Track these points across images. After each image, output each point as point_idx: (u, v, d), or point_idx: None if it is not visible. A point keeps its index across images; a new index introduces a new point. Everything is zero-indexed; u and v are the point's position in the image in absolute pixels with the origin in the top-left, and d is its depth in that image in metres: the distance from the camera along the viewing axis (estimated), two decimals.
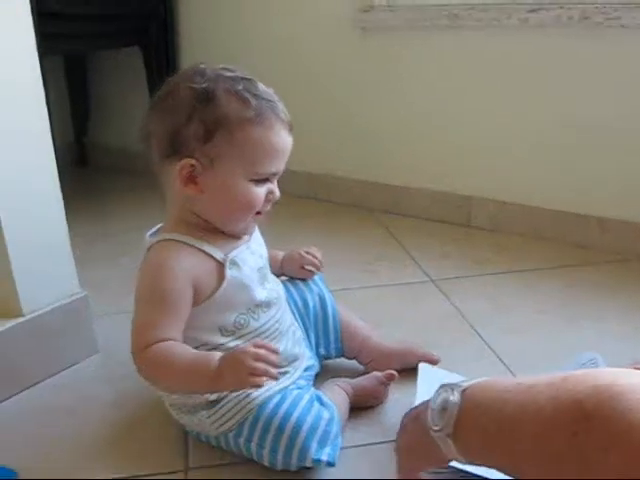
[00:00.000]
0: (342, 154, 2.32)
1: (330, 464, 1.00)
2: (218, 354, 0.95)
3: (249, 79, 1.03)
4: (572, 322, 1.48)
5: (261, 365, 0.90)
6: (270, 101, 1.02)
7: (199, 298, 1.03)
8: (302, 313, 1.26)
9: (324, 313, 1.29)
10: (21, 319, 1.25)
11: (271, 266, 1.19)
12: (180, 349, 0.98)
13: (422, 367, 1.21)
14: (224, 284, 1.03)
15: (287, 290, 1.27)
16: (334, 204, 2.31)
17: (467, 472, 0.95)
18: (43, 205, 1.27)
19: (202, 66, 1.03)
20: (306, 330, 1.26)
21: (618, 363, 0.67)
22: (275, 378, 0.93)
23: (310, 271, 1.28)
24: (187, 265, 1.01)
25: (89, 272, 1.45)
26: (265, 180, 1.03)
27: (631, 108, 1.76)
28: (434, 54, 2.04)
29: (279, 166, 1.04)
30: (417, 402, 0.98)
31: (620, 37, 1.72)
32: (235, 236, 1.08)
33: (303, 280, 1.30)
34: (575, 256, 1.83)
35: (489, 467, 0.76)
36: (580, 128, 1.85)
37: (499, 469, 0.74)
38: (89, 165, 2.93)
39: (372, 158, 2.25)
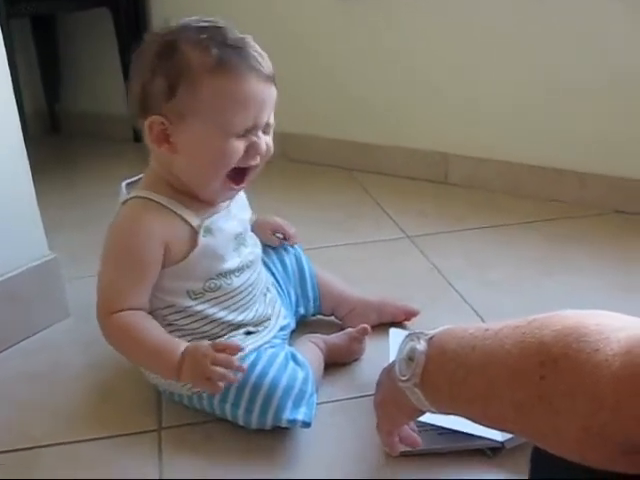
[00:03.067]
0: (317, 113, 2.29)
1: (306, 424, 0.99)
2: (184, 345, 0.96)
3: (219, 27, 0.97)
4: (549, 276, 1.48)
5: (219, 370, 0.91)
6: (238, 48, 0.96)
7: (168, 261, 1.01)
8: (281, 273, 1.26)
9: (301, 272, 1.28)
10: None
11: None
12: (149, 325, 0.98)
13: (393, 332, 1.20)
14: (195, 251, 1.01)
15: (265, 252, 1.25)
16: (309, 164, 2.28)
17: (438, 426, 0.96)
18: (8, 168, 1.24)
19: (181, 20, 0.99)
20: (286, 288, 1.25)
21: None
22: (234, 381, 0.95)
23: (280, 239, 1.27)
24: (159, 227, 0.99)
25: (61, 237, 1.43)
26: (246, 134, 0.97)
27: (609, 67, 1.75)
28: (412, 13, 2.01)
29: (258, 118, 0.97)
30: None
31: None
32: (211, 203, 1.05)
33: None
34: (553, 211, 1.83)
35: (459, 415, 0.75)
36: (558, 85, 1.84)
37: (468, 417, 0.73)
38: (62, 132, 2.88)
39: (348, 117, 2.23)
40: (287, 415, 0.98)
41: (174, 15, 2.42)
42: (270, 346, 1.09)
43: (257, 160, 1.00)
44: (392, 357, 1.08)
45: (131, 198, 1.02)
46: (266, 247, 1.26)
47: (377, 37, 2.09)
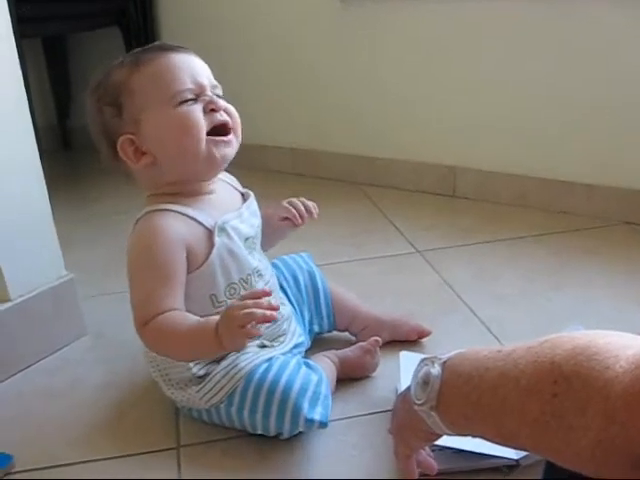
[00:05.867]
0: (325, 128, 2.31)
1: (323, 424, 1.01)
2: (216, 318, 0.94)
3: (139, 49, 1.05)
4: (558, 289, 1.49)
5: (249, 312, 0.88)
6: (152, 46, 1.04)
7: (191, 267, 1.02)
8: (294, 290, 1.27)
9: (315, 289, 1.29)
10: (9, 304, 1.26)
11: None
12: (180, 318, 0.98)
13: (403, 355, 1.20)
14: (213, 252, 1.03)
15: (277, 268, 1.27)
16: (318, 179, 2.30)
17: (453, 448, 0.97)
18: (26, 189, 1.27)
19: None
20: (299, 307, 1.26)
21: (605, 329, 0.68)
22: (270, 319, 0.90)
23: (288, 219, 1.18)
24: (178, 231, 1.01)
25: (74, 255, 1.45)
26: (193, 100, 1.00)
27: (618, 80, 1.76)
28: (417, 25, 2.03)
29: (193, 80, 1.01)
30: (401, 389, 0.98)
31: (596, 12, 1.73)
32: (215, 172, 1.06)
33: (293, 258, 1.31)
34: (561, 223, 1.84)
35: (474, 436, 0.77)
36: (566, 97, 1.85)
37: (483, 436, 0.75)
38: (73, 148, 2.91)
39: (355, 131, 2.25)
40: (305, 414, 1.00)
41: (182, 33, 2.47)
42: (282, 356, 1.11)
43: (224, 116, 1.03)
44: (403, 381, 1.09)
45: (145, 214, 1.04)
46: (277, 265, 1.28)
47: (383, 53, 2.11)
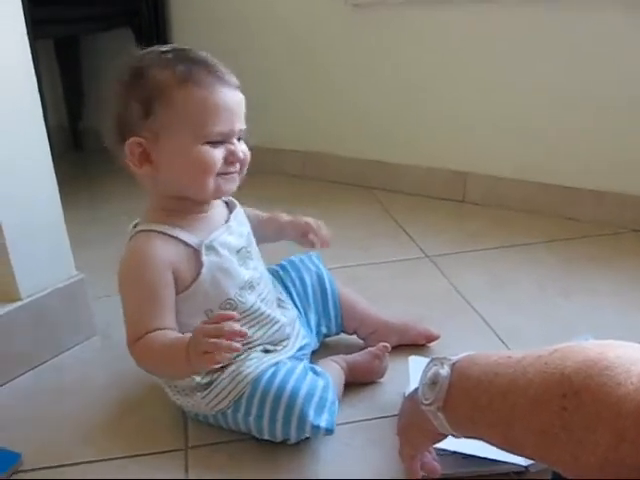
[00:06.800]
0: (336, 132, 2.31)
1: (329, 431, 1.02)
2: (189, 337, 0.94)
3: (183, 49, 1.02)
4: (567, 296, 1.49)
5: (214, 342, 0.88)
6: (203, 62, 1.00)
7: (180, 287, 1.03)
8: (300, 292, 1.27)
9: (323, 291, 1.29)
10: (19, 303, 1.26)
11: (264, 229, 1.20)
12: (161, 338, 0.99)
13: (412, 360, 1.20)
14: (203, 270, 1.03)
15: (284, 270, 1.28)
16: (329, 182, 2.31)
17: (461, 453, 0.97)
18: (37, 189, 1.28)
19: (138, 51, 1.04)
20: (305, 309, 1.26)
21: (613, 338, 0.68)
22: (234, 350, 0.89)
23: (312, 242, 1.19)
24: (164, 253, 1.01)
25: (85, 256, 1.45)
26: (221, 142, 1.00)
27: (626, 84, 1.76)
28: (428, 30, 2.04)
29: (230, 125, 1.00)
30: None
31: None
32: (208, 209, 1.07)
33: (300, 258, 1.31)
34: (569, 230, 1.84)
35: (480, 440, 0.77)
36: (575, 102, 1.85)
37: (489, 441, 0.75)
38: (85, 149, 2.92)
39: (366, 136, 2.25)
40: (311, 421, 1.00)
41: (194, 34, 2.47)
42: (288, 362, 1.11)
43: (237, 167, 1.03)
44: (412, 385, 1.09)
45: (135, 233, 1.05)
46: (285, 266, 1.28)
47: (394, 57, 2.12)
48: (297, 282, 1.28)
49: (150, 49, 1.03)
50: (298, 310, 1.25)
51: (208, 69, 1.00)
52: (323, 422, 1.01)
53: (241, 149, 1.03)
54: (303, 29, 2.28)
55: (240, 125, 1.02)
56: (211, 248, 1.04)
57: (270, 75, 2.33)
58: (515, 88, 1.94)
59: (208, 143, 0.99)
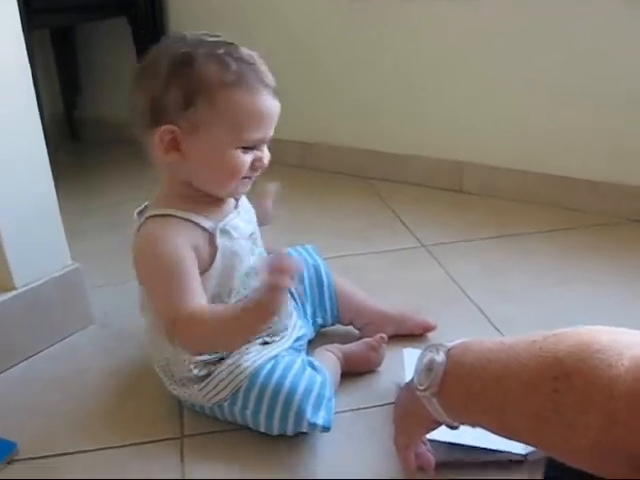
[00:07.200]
0: (334, 122, 2.31)
1: (325, 428, 1.01)
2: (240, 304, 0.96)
3: (231, 43, 1.00)
4: (563, 285, 1.49)
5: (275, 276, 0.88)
6: (252, 64, 0.99)
7: (199, 269, 1.01)
8: (297, 284, 1.26)
9: (319, 283, 1.29)
10: (14, 292, 1.26)
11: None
12: (209, 309, 0.98)
13: (407, 352, 1.20)
14: (217, 255, 1.02)
15: None
16: (326, 173, 2.30)
17: (462, 444, 0.97)
18: (33, 179, 1.27)
19: (184, 33, 1.01)
20: (301, 300, 1.27)
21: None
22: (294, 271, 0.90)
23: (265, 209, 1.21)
24: (183, 235, 1.00)
25: (80, 245, 1.45)
26: (252, 147, 1.00)
27: (624, 76, 1.76)
28: (426, 22, 2.03)
29: (266, 132, 1.01)
30: None
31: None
32: (223, 199, 1.07)
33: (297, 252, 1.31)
34: (566, 219, 1.83)
35: (474, 426, 0.77)
36: (571, 95, 1.84)
37: (484, 427, 0.75)
38: (81, 139, 2.91)
39: (364, 126, 2.25)
40: (308, 418, 1.00)
41: (190, 24, 2.46)
42: (287, 355, 1.11)
43: (258, 172, 1.04)
44: (407, 377, 1.09)
45: (146, 219, 1.03)
46: None
47: (392, 49, 2.11)
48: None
49: (197, 34, 1.00)
50: (295, 301, 1.25)
51: (256, 73, 0.99)
52: (320, 419, 1.01)
53: (266, 155, 1.03)
54: (302, 21, 2.26)
55: (271, 132, 1.02)
56: (225, 232, 1.04)
57: (269, 66, 2.30)
58: (513, 81, 1.93)
59: (242, 147, 0.99)
